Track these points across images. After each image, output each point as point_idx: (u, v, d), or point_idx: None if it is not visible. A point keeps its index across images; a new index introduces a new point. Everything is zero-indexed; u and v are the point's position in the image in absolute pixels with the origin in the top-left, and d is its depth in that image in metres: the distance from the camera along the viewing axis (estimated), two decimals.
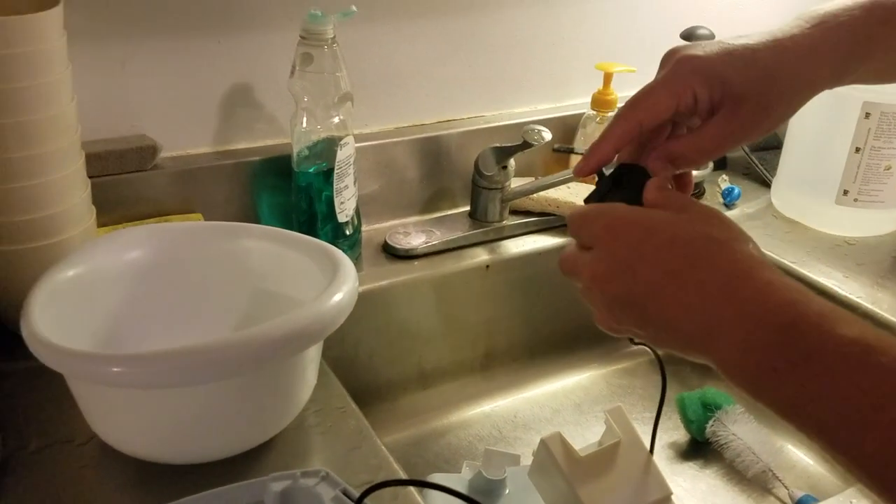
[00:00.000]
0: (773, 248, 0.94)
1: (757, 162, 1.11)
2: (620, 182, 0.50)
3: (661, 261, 0.42)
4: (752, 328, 0.38)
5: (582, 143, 1.00)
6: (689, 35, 0.96)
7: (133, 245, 0.63)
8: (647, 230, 0.43)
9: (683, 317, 0.41)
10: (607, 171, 0.51)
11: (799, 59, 0.48)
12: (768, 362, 0.38)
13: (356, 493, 0.47)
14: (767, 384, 0.38)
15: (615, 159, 0.52)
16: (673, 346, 0.43)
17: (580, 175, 0.52)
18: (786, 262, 0.91)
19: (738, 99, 0.48)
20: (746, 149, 1.11)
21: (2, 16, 0.58)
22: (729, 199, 1.04)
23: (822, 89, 0.50)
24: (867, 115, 0.89)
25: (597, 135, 0.99)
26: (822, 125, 0.95)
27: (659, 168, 0.49)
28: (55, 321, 0.52)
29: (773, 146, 1.12)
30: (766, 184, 1.08)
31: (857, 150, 0.91)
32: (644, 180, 0.48)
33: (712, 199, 1.06)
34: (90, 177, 0.69)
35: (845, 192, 0.94)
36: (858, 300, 0.84)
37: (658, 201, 0.46)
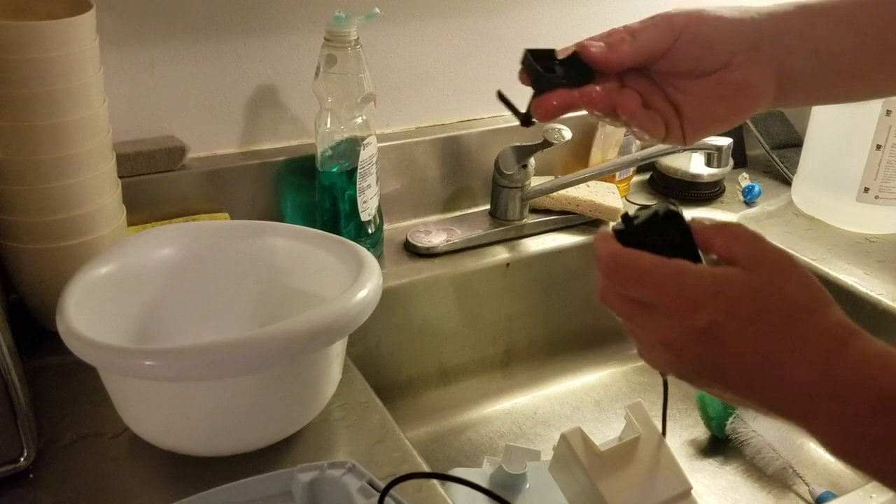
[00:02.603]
0: (794, 245, 0.94)
1: (777, 159, 1.10)
2: (654, 224, 0.44)
3: (748, 336, 0.40)
4: (850, 401, 0.37)
5: (602, 141, 1.00)
6: None
7: (163, 243, 0.64)
8: (731, 303, 0.40)
9: (775, 391, 0.40)
10: (631, 213, 0.46)
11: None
12: (869, 434, 0.37)
13: (381, 485, 0.48)
14: (870, 455, 0.38)
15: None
16: (760, 411, 0.42)
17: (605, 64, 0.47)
18: (806, 259, 0.91)
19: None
20: (766, 146, 1.11)
21: (36, 20, 0.59)
22: (749, 197, 1.04)
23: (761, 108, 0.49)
24: (888, 113, 0.89)
25: (617, 135, 1.01)
26: (843, 122, 0.95)
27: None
28: (89, 317, 0.54)
29: (794, 144, 1.12)
30: (787, 181, 1.08)
31: (878, 147, 0.91)
32: (680, 222, 0.44)
33: (732, 197, 1.06)
34: (120, 177, 0.71)
35: (866, 190, 0.94)
36: (879, 297, 0.84)
37: (724, 252, 0.42)
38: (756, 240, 0.42)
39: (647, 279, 0.41)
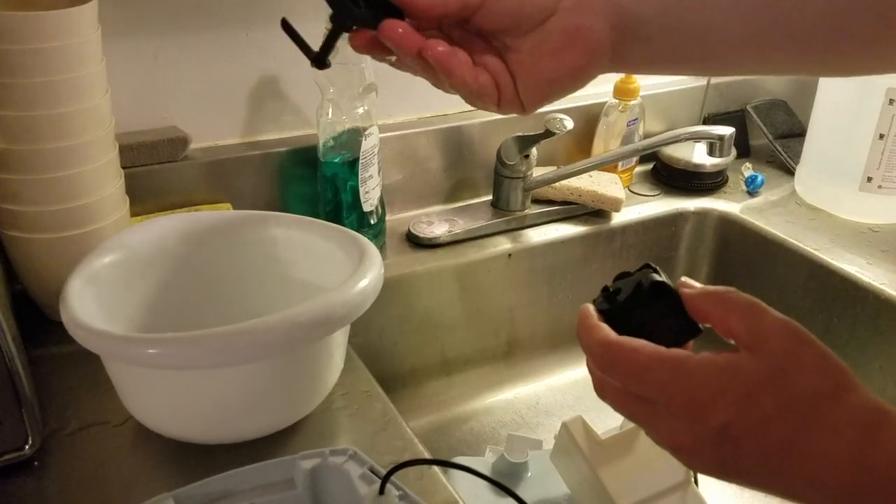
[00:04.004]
0: (797, 235, 0.94)
1: (780, 149, 1.10)
2: (640, 297, 0.41)
3: (770, 434, 0.36)
4: (892, 498, 0.34)
5: (604, 131, 1.00)
6: None
7: (166, 233, 0.64)
8: (744, 398, 0.36)
9: (806, 488, 0.36)
10: (611, 285, 0.43)
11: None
12: None
13: (383, 471, 0.48)
14: None
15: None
16: (790, 501, 0.39)
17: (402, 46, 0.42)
18: (809, 249, 0.91)
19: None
20: (769, 136, 1.11)
21: (39, 10, 0.59)
22: (752, 187, 1.04)
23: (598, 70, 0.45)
24: (891, 102, 0.89)
25: (620, 125, 1.00)
26: (846, 112, 0.95)
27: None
28: (92, 306, 0.54)
29: (797, 133, 1.12)
30: (790, 171, 1.08)
31: (881, 136, 0.91)
32: (668, 291, 0.41)
33: (735, 187, 1.06)
34: (123, 167, 0.71)
35: (869, 179, 0.94)
36: (882, 287, 0.84)
37: (721, 326, 0.39)
38: (754, 311, 0.38)
39: (646, 375, 0.38)
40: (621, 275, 0.43)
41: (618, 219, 0.97)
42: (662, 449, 0.40)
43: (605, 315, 0.41)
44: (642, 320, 0.40)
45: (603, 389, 0.41)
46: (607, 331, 0.40)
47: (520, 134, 0.89)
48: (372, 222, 0.84)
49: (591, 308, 0.42)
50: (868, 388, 0.37)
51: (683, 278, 0.42)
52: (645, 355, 0.38)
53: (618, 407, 0.40)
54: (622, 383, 0.39)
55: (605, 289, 0.42)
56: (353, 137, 0.80)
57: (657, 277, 0.41)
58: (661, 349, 0.38)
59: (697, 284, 0.41)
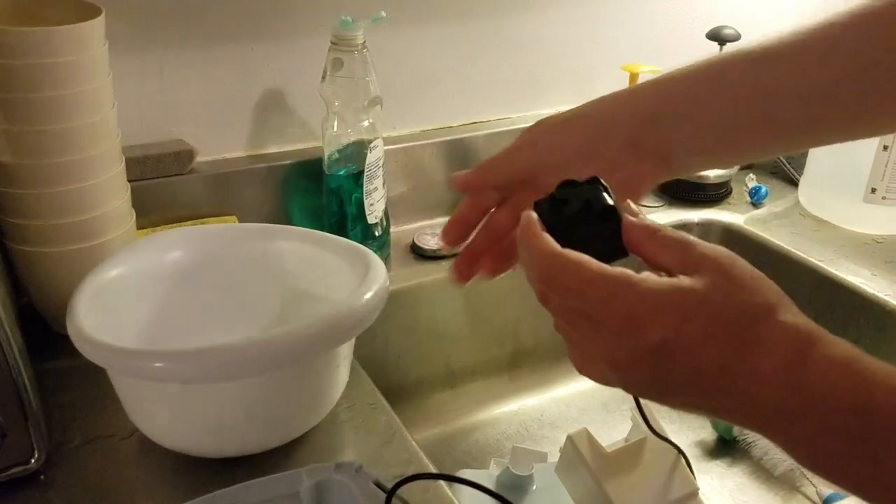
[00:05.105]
0: (802, 246, 0.94)
1: (784, 160, 1.10)
2: (586, 216, 0.41)
3: (704, 352, 0.36)
4: (822, 416, 0.35)
5: None
6: (715, 35, 0.96)
7: (172, 246, 0.65)
8: (680, 316, 0.36)
9: (737, 407, 0.37)
10: (557, 192, 0.42)
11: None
12: (844, 448, 0.34)
13: (388, 486, 0.48)
14: (845, 469, 0.35)
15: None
16: (723, 420, 0.39)
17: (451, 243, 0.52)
18: (813, 260, 0.91)
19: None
20: None
21: (46, 26, 0.60)
22: (756, 198, 1.04)
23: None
24: None
25: None
26: None
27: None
28: (99, 319, 0.54)
29: None
30: (794, 182, 1.08)
31: (885, 147, 0.91)
32: (613, 214, 0.41)
33: (739, 199, 1.06)
34: (130, 181, 0.71)
35: (873, 191, 0.93)
36: (887, 298, 0.84)
37: (651, 260, 0.40)
38: (684, 243, 0.39)
39: (589, 291, 0.38)
40: (568, 182, 0.42)
41: None
42: (592, 376, 0.41)
43: (547, 224, 0.41)
44: (582, 236, 0.40)
45: (546, 299, 0.40)
46: (552, 242, 0.40)
47: None
48: (376, 234, 0.84)
49: (535, 216, 0.41)
50: None
51: (629, 201, 0.42)
52: (589, 270, 0.38)
53: (557, 320, 0.41)
54: (562, 296, 0.39)
55: (552, 196, 0.42)
56: (358, 150, 0.80)
57: (608, 201, 0.41)
58: (606, 266, 0.38)
59: (640, 211, 0.42)
